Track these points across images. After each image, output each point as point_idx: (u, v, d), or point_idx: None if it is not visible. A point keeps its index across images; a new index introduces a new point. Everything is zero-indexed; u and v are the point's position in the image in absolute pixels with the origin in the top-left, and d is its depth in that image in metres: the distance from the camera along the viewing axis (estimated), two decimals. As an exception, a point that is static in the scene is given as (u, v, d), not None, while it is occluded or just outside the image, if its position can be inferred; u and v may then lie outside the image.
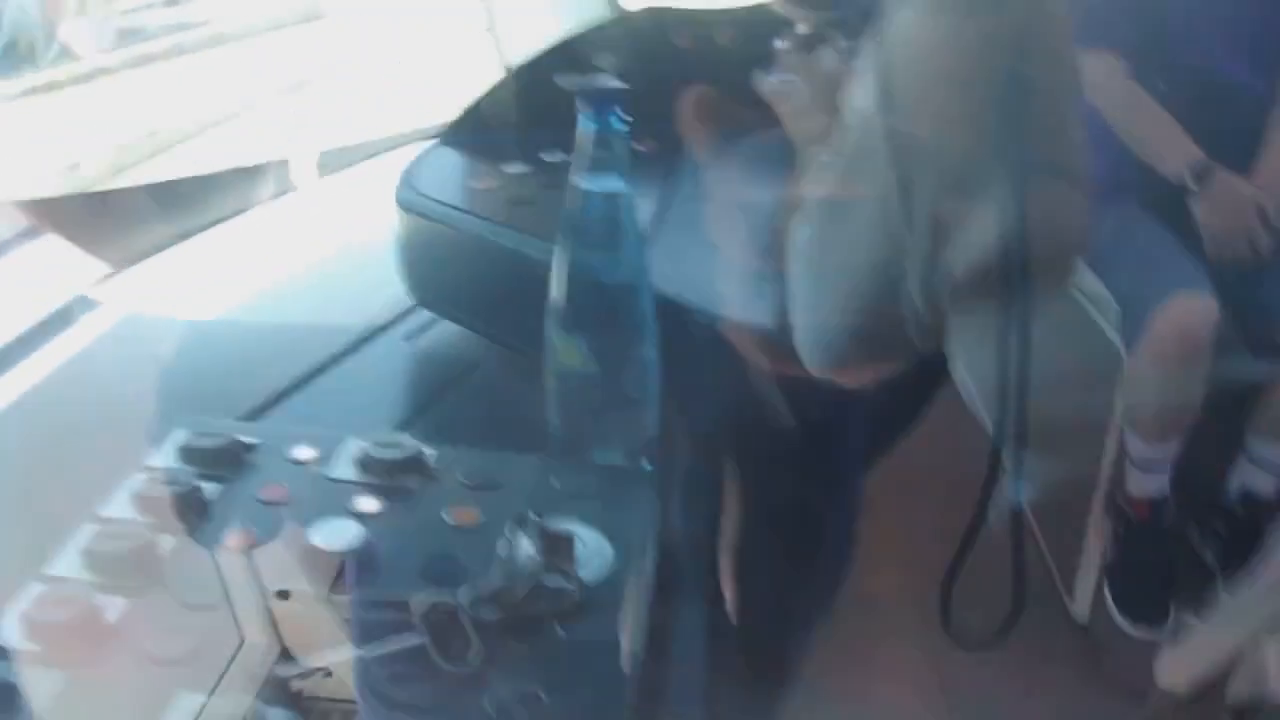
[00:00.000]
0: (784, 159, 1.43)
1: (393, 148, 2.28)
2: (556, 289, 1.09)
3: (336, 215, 2.00)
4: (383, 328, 1.60)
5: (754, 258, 1.28)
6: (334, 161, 2.19)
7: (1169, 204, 2.25)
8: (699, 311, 1.23)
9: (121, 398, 1.33)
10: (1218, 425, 2.24)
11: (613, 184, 1.06)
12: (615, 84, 1.07)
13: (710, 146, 1.54)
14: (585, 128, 1.07)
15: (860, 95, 0.99)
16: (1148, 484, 2.24)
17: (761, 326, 1.15)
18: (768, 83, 1.45)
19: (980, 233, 0.88)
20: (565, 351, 1.10)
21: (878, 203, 0.94)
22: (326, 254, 1.87)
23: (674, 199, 1.45)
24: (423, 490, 0.99)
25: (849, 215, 1.00)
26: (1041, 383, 0.97)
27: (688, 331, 1.19)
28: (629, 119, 1.07)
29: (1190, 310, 2.10)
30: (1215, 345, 2.12)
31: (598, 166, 1.06)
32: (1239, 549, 2.14)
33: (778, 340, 1.10)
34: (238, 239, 1.89)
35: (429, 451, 1.03)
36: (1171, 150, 2.26)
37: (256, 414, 1.34)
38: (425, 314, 1.60)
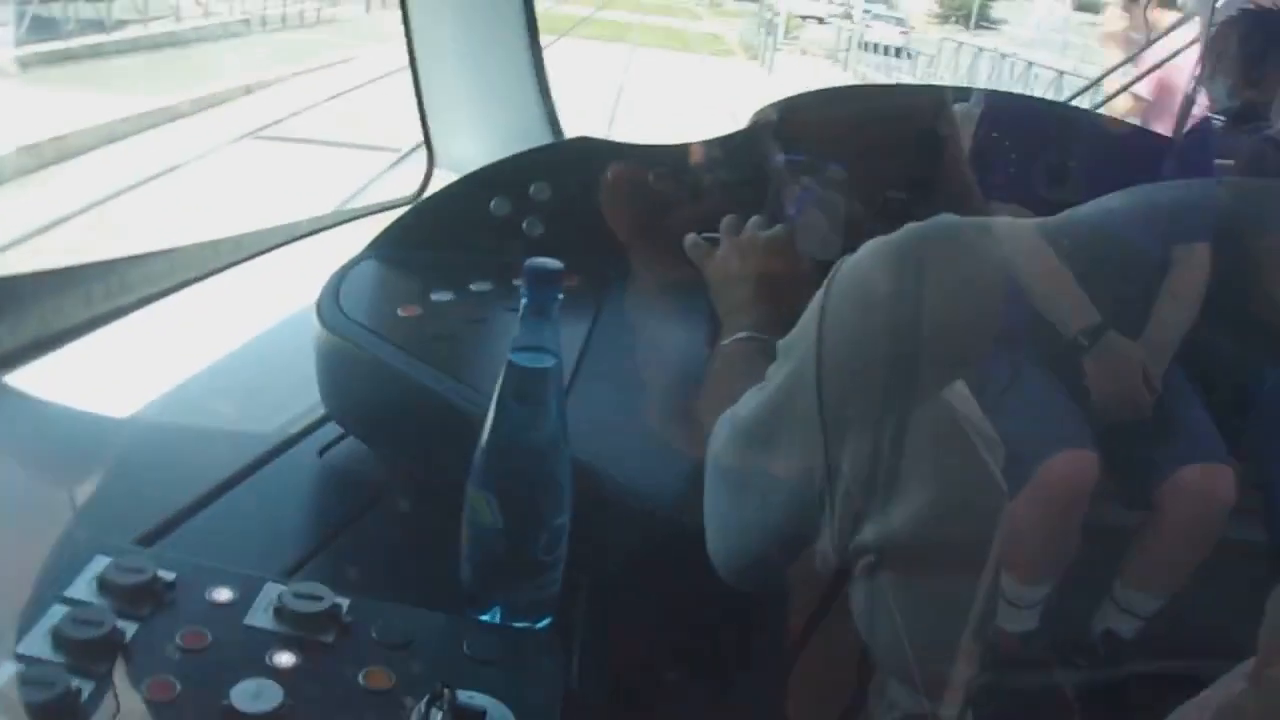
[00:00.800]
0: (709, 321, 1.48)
1: (319, 230, 2.29)
2: (479, 446, 1.13)
3: (258, 307, 1.99)
4: (295, 439, 1.60)
5: (672, 429, 1.33)
6: (257, 243, 2.19)
7: (1061, 358, 2.33)
8: (612, 482, 1.26)
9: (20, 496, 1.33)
10: (1088, 569, 2.32)
11: (543, 359, 1.10)
12: (556, 264, 1.10)
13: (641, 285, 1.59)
14: (525, 301, 1.10)
15: (799, 338, 1.04)
16: (1018, 620, 2.31)
17: (670, 505, 1.20)
18: (696, 243, 1.51)
19: (895, 516, 0.93)
20: (481, 509, 1.14)
21: (801, 456, 0.99)
22: (239, 352, 1.85)
23: (594, 352, 1.49)
24: (338, 645, 1.02)
25: (772, 451, 1.05)
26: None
27: (601, 500, 1.22)
28: (563, 296, 1.11)
29: (1073, 465, 2.17)
30: (1092, 497, 2.19)
31: (531, 341, 1.10)
32: (1099, 685, 2.21)
33: (686, 520, 1.14)
34: (152, 328, 1.87)
35: (343, 603, 1.05)
36: (1069, 309, 2.34)
37: (169, 527, 1.34)
38: (339, 428, 1.60)
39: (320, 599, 1.04)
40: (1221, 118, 3.22)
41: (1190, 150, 2.59)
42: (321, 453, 1.59)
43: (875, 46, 28.55)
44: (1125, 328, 2.39)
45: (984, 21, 41.38)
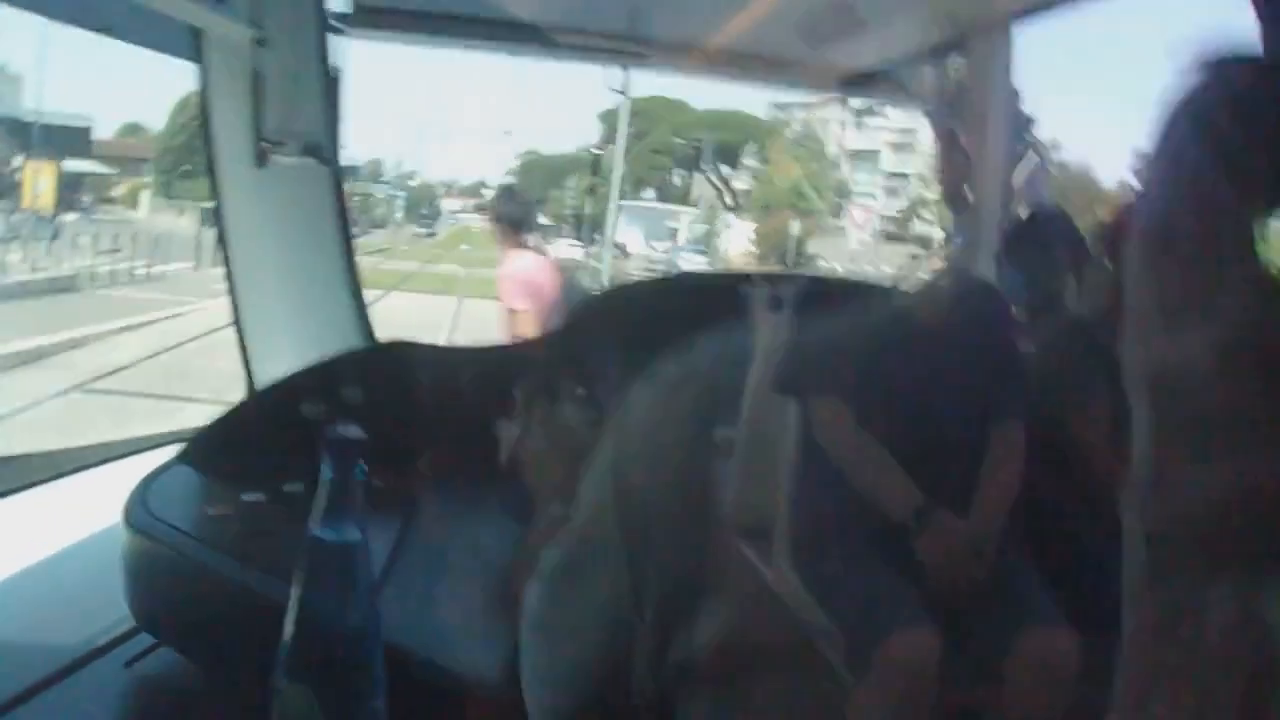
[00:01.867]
0: (520, 507, 1.46)
1: (126, 455, 2.23)
2: (285, 634, 1.08)
3: (62, 524, 1.91)
4: (101, 650, 1.51)
5: (487, 608, 1.29)
6: (64, 463, 2.12)
7: (892, 541, 2.35)
8: (429, 663, 1.22)
9: None
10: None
11: (348, 534, 1.06)
12: (358, 434, 1.07)
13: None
14: (325, 475, 1.07)
15: (594, 478, 1.03)
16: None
17: (491, 681, 1.16)
18: (508, 430, 1.50)
19: (710, 625, 0.92)
20: (292, 700, 1.07)
21: (608, 583, 0.97)
22: (45, 565, 1.77)
23: (408, 544, 1.46)
24: None
25: (579, 588, 1.03)
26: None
27: (420, 683, 1.18)
28: (367, 468, 1.08)
29: (911, 645, 2.17)
30: (937, 674, 2.18)
31: (334, 515, 1.06)
32: None
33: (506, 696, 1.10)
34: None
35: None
36: (895, 493, 2.37)
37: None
38: (147, 639, 1.52)
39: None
40: (1020, 307, 3.36)
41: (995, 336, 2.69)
42: (129, 664, 1.50)
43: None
44: (951, 506, 2.43)
45: (800, 258, 43.08)
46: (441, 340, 16.00)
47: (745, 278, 2.19)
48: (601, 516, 0.98)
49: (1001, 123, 3.38)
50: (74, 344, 12.95)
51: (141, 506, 1.51)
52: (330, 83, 2.28)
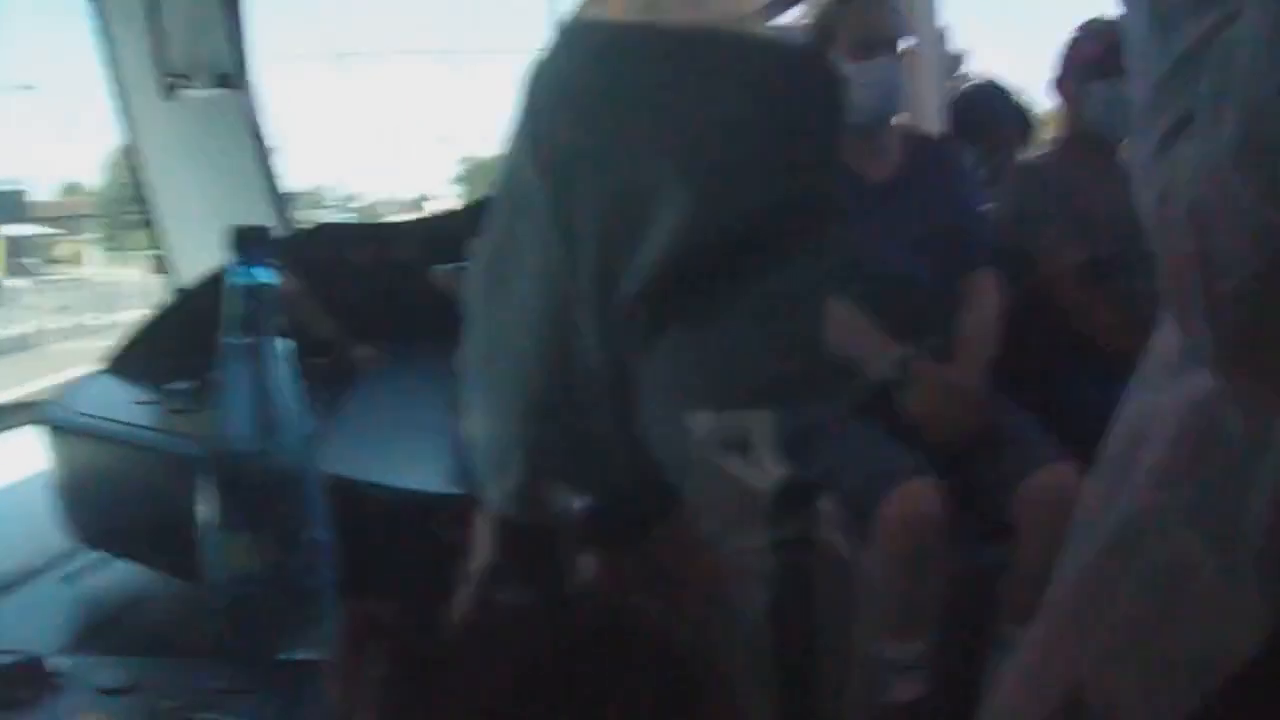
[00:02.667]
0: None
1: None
2: (211, 490, 0.95)
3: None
4: (38, 571, 1.41)
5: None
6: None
7: (878, 402, 2.26)
8: (374, 485, 1.12)
9: None
10: (968, 619, 2.20)
11: (262, 338, 0.94)
12: (261, 229, 0.95)
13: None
14: (232, 282, 0.94)
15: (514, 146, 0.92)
16: (906, 687, 2.17)
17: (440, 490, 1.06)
18: (442, 273, 1.41)
19: (649, 248, 0.81)
20: (231, 553, 0.95)
21: (540, 249, 0.86)
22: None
23: (352, 402, 1.37)
24: (45, 702, 0.82)
25: (507, 272, 0.92)
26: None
27: (363, 507, 1.07)
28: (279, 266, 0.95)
29: (913, 494, 2.09)
30: (946, 534, 2.10)
31: (245, 322, 0.94)
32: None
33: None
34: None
35: (56, 660, 0.86)
36: (872, 350, 2.28)
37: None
38: (86, 555, 1.42)
39: (19, 654, 0.84)
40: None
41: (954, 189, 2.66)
42: (67, 581, 1.41)
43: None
44: (935, 359, 2.33)
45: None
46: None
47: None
48: (520, 179, 0.87)
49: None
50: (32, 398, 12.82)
51: (64, 409, 1.44)
52: (231, 8, 2.20)
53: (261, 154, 2.25)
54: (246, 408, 0.95)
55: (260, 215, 2.24)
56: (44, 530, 1.45)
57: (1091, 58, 2.57)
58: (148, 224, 2.27)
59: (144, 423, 1.37)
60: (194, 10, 2.17)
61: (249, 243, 0.94)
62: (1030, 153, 3.48)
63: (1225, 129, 0.56)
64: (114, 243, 45.80)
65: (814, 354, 0.93)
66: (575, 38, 0.91)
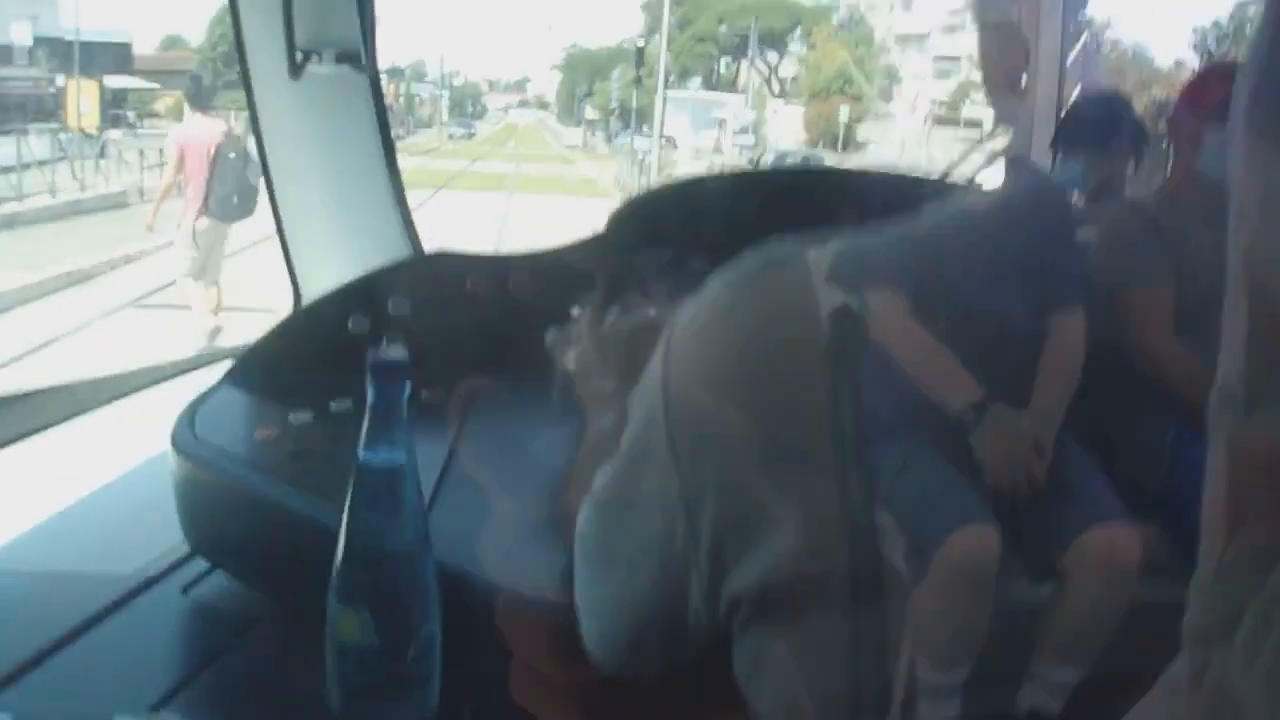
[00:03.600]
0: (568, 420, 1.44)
1: (173, 375, 2.23)
2: (337, 558, 1.07)
3: (113, 451, 1.91)
4: (157, 578, 1.52)
5: (541, 527, 1.27)
6: (112, 389, 2.12)
7: (951, 437, 2.32)
8: (483, 585, 1.20)
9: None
10: (1006, 649, 2.28)
11: (394, 456, 1.05)
12: (402, 356, 1.05)
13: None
14: (371, 398, 1.05)
15: (646, 394, 1.00)
16: (938, 710, 2.26)
17: (547, 604, 1.14)
18: (556, 337, 1.47)
19: (765, 555, 0.89)
20: (344, 624, 1.07)
21: (660, 510, 0.94)
22: (98, 494, 1.77)
23: (459, 461, 1.44)
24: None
25: (631, 515, 1.00)
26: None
27: (473, 607, 1.16)
28: (412, 391, 1.06)
29: (973, 542, 2.15)
30: (998, 573, 2.16)
31: (380, 438, 1.04)
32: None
33: (562, 620, 1.08)
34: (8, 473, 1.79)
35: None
36: (952, 387, 2.33)
37: (21, 672, 1.26)
38: (203, 563, 1.52)
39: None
40: (1079, 194, 3.29)
41: (1053, 224, 2.63)
42: (186, 590, 1.50)
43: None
44: (1009, 401, 2.39)
45: (850, 144, 42.70)
46: (494, 237, 16.09)
47: (800, 173, 2.14)
48: (652, 436, 0.95)
49: (1054, 11, 3.31)
50: (127, 259, 13.03)
51: (189, 431, 1.51)
52: (360, -13, 2.24)
53: (385, 140, 2.31)
54: (376, 516, 1.05)
55: (379, 200, 2.30)
56: (167, 527, 1.53)
57: (1213, 102, 2.56)
58: (245, 87, 2.30)
59: (267, 467, 1.44)
60: None
61: (388, 372, 1.04)
62: (1141, 176, 3.44)
63: None
64: (212, 101, 46.15)
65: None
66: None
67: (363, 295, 1.77)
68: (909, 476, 2.27)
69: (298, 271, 2.32)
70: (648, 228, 1.71)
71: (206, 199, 8.22)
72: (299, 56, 2.19)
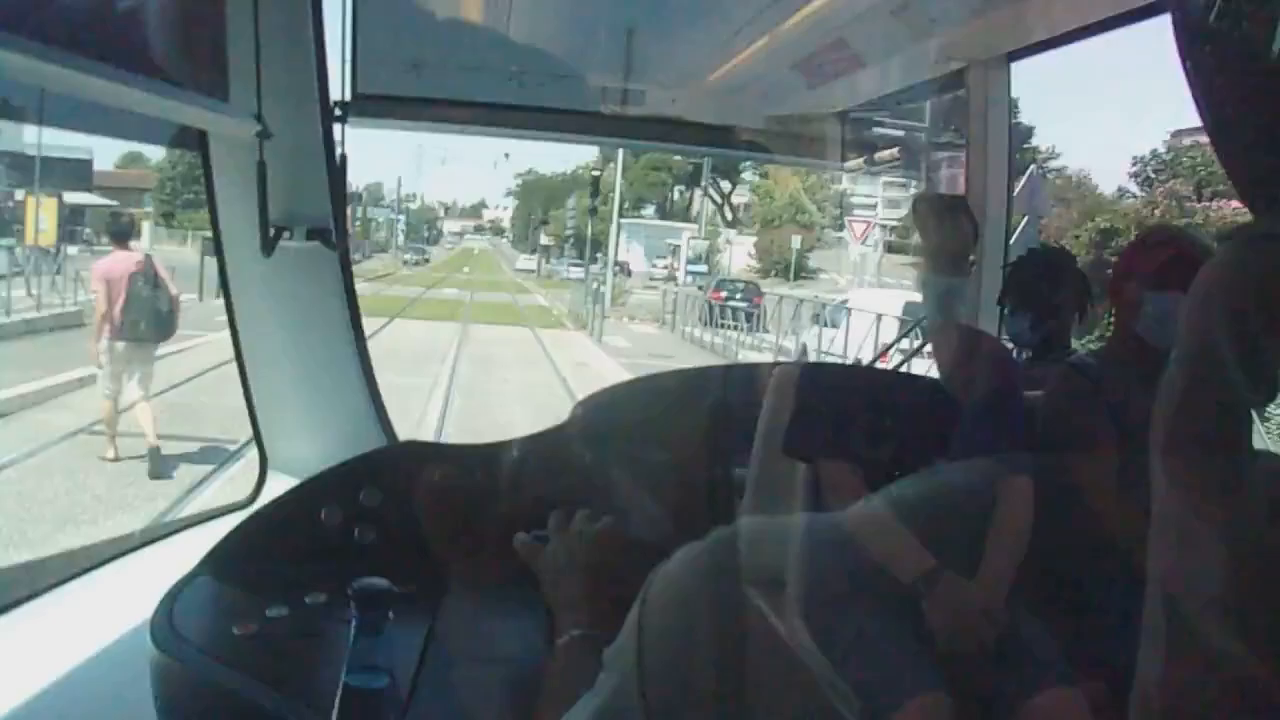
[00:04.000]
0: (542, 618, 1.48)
1: (151, 541, 2.26)
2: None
3: (86, 625, 1.93)
4: None
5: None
6: (86, 558, 2.14)
7: (903, 605, 2.38)
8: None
9: None
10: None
11: (376, 681, 1.10)
12: (383, 585, 1.10)
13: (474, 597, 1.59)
14: (354, 625, 1.10)
15: (620, 652, 1.05)
16: None
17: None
18: (524, 543, 1.52)
19: None
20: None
21: None
22: (72, 673, 1.78)
23: (432, 657, 1.48)
24: None
25: None
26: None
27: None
28: (392, 615, 1.11)
29: (927, 708, 2.20)
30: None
31: (362, 662, 1.10)
32: None
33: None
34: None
35: None
36: (905, 558, 2.40)
37: None
38: None
39: None
40: (1026, 350, 3.38)
41: (999, 389, 2.71)
42: None
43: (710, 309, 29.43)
44: (960, 568, 2.46)
45: (803, 273, 43.20)
46: (448, 367, 16.07)
47: (756, 368, 2.22)
48: (627, 694, 1.00)
49: (1001, 143, 3.41)
50: (81, 383, 12.95)
51: (167, 624, 1.54)
52: (334, 169, 2.31)
53: (353, 312, 2.37)
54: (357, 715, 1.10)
55: (348, 380, 2.35)
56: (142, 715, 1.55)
57: (1152, 268, 2.64)
58: (218, 257, 2.37)
59: (245, 666, 1.47)
60: (298, 167, 2.27)
61: (370, 599, 1.10)
62: (1086, 326, 3.50)
63: None
64: (171, 219, 46.30)
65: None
66: None
67: (335, 485, 1.82)
68: (863, 645, 2.33)
69: (266, 443, 2.37)
70: (613, 421, 1.77)
71: (121, 324, 9.16)
72: (271, 231, 2.24)
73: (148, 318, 9.34)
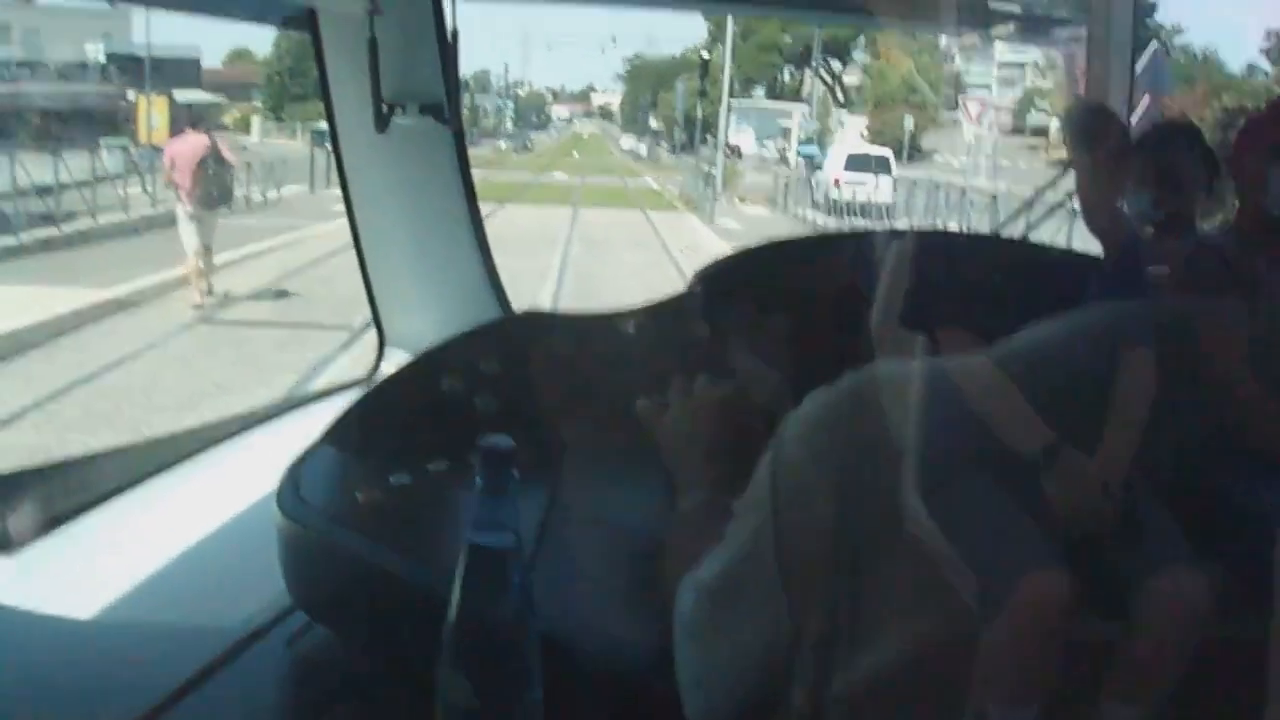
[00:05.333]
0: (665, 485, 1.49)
1: (274, 416, 2.30)
2: (446, 629, 1.13)
3: (214, 497, 1.98)
4: (262, 632, 1.57)
5: (638, 595, 1.32)
6: (212, 434, 2.19)
7: (1021, 479, 2.35)
8: (583, 652, 1.26)
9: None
10: (1074, 686, 2.31)
11: (502, 539, 1.11)
12: (507, 444, 1.11)
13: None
14: (479, 483, 1.11)
15: (753, 496, 1.05)
16: (1008, 747, 2.29)
17: (645, 672, 1.19)
18: (646, 407, 1.52)
19: (870, 661, 0.94)
20: (453, 690, 1.13)
21: (767, 613, 0.99)
22: (203, 544, 1.83)
23: (553, 527, 1.49)
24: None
25: (737, 609, 1.05)
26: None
27: (573, 672, 1.22)
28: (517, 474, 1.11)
29: (1045, 585, 2.18)
30: (1069, 615, 2.19)
31: (488, 521, 1.11)
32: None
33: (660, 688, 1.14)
34: (109, 526, 1.85)
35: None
36: (1024, 430, 2.36)
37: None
38: (306, 618, 1.57)
39: None
40: (1150, 228, 3.30)
41: (1123, 264, 2.65)
42: (290, 643, 1.56)
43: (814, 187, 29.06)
44: (1080, 443, 2.42)
45: (915, 153, 42.48)
46: (559, 251, 16.15)
47: (881, 236, 2.18)
48: (759, 542, 1.00)
49: (1124, 18, 3.30)
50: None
51: (293, 491, 1.56)
52: (445, 45, 2.29)
53: (469, 190, 2.37)
54: (485, 595, 1.12)
55: (464, 255, 2.36)
56: (270, 579, 1.58)
57: (1274, 140, 2.55)
58: (331, 139, 2.39)
59: (369, 531, 1.49)
60: (409, 44, 2.25)
61: (496, 458, 1.10)
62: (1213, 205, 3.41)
63: None
64: (279, 114, 46.78)
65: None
66: None
67: (455, 356, 1.83)
68: (980, 519, 2.31)
69: (384, 320, 2.39)
70: (733, 288, 1.75)
71: (192, 194, 11.77)
72: (384, 109, 2.24)
73: (215, 188, 12.05)
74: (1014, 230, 2.98)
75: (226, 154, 12.37)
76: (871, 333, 1.97)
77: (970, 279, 1.93)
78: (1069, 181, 2.85)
